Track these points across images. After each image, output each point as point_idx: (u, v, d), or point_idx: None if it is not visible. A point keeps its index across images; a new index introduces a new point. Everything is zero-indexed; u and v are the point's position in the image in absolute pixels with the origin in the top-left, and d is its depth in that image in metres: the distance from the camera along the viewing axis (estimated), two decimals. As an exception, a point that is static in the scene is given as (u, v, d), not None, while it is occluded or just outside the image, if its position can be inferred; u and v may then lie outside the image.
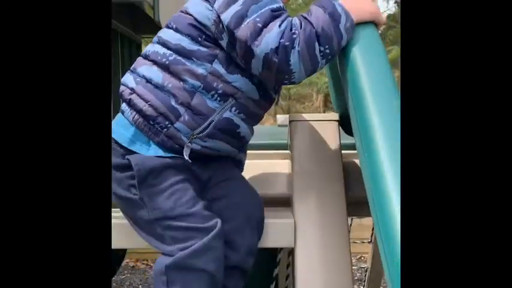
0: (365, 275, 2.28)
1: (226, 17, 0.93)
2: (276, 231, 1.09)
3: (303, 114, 1.27)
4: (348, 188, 1.19)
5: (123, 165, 1.00)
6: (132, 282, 3.26)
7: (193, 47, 0.98)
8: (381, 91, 0.80)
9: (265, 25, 0.91)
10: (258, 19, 0.92)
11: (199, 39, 0.98)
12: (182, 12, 1.02)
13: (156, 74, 0.99)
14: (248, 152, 1.30)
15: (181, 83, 0.98)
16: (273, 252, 1.41)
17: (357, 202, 1.14)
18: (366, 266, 2.54)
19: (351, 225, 2.02)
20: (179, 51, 0.99)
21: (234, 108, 1.00)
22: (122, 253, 2.67)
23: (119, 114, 1.06)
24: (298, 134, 1.23)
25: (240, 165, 1.15)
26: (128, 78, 1.03)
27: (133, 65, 1.05)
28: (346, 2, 0.94)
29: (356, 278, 3.02)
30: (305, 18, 0.93)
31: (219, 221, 0.98)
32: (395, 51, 7.20)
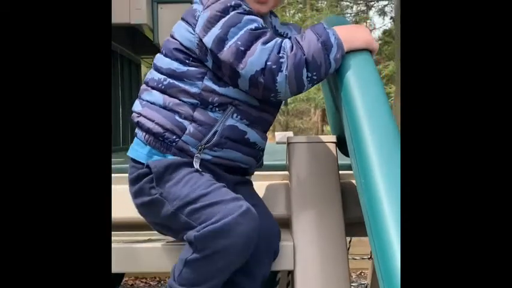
0: (365, 292, 2.26)
1: (208, 40, 0.97)
2: (275, 254, 1.09)
3: (301, 136, 1.29)
4: (346, 209, 1.20)
5: (143, 174, 1.04)
6: (131, 301, 3.23)
7: (183, 68, 1.02)
8: (376, 118, 0.82)
9: (248, 47, 0.94)
10: (239, 42, 0.94)
11: (187, 61, 1.02)
12: (170, 36, 1.07)
13: (157, 97, 1.04)
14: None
15: (180, 101, 1.02)
16: (273, 271, 1.41)
17: (355, 223, 1.15)
18: (366, 282, 2.53)
19: (350, 241, 2.01)
20: (171, 74, 1.03)
21: (235, 115, 1.03)
22: (121, 273, 2.66)
23: (135, 137, 1.10)
24: (296, 155, 1.25)
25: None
26: (135, 105, 1.09)
27: (139, 93, 1.10)
28: (341, 30, 0.96)
29: (356, 294, 3.00)
30: (298, 42, 0.95)
31: (245, 203, 0.96)
32: (392, 66, 7.26)
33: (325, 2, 11.85)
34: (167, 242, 1.14)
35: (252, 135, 1.06)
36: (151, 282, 3.46)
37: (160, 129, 1.02)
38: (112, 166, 1.31)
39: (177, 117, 1.01)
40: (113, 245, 1.02)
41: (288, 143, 1.27)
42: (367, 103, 0.88)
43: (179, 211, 0.99)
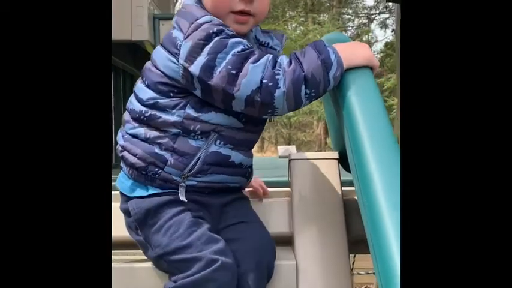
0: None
1: (195, 69, 0.94)
2: (278, 274, 1.08)
3: (303, 153, 1.28)
4: (349, 226, 1.18)
5: (128, 211, 1.06)
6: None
7: (165, 100, 1.01)
8: (377, 137, 0.81)
9: (239, 69, 0.92)
10: (229, 66, 0.93)
11: (171, 94, 1.01)
12: (152, 65, 1.04)
13: (138, 130, 1.04)
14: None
15: (162, 133, 1.02)
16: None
17: (358, 240, 1.13)
18: (370, 298, 2.49)
19: (354, 256, 1.99)
20: (153, 106, 1.02)
21: (218, 141, 1.02)
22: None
23: (121, 169, 1.11)
24: (298, 172, 1.24)
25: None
26: (118, 137, 1.09)
27: (122, 122, 1.09)
28: (340, 48, 0.96)
29: (361, 310, 2.96)
30: (297, 58, 0.94)
31: (227, 254, 0.96)
32: (394, 79, 7.28)
33: (327, 16, 11.96)
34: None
35: (237, 157, 1.05)
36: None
37: (142, 164, 1.02)
38: (112, 183, 1.31)
39: (157, 150, 1.01)
40: (113, 265, 1.01)
41: (290, 160, 1.26)
42: (367, 120, 0.87)
43: (161, 258, 1.01)
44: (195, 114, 0.99)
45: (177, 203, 1.02)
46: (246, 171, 1.10)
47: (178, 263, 0.97)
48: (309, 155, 1.26)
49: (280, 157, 1.51)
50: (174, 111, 1.00)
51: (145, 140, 1.02)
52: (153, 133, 1.01)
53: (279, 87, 0.91)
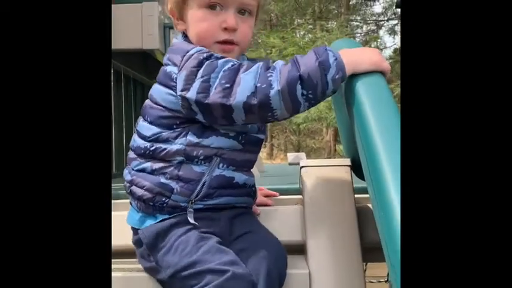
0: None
1: (192, 94, 0.97)
2: (290, 283, 1.06)
3: (314, 160, 1.27)
4: (363, 234, 1.17)
5: (139, 241, 1.07)
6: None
7: (168, 132, 1.04)
8: (391, 142, 0.80)
9: (232, 82, 0.94)
10: (223, 81, 0.95)
11: (174, 126, 1.04)
12: (151, 101, 1.07)
13: (145, 165, 1.06)
14: (260, 198, 1.28)
15: (167, 163, 1.04)
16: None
17: (372, 248, 1.11)
18: (383, 307, 2.45)
19: (366, 263, 1.97)
20: (156, 140, 1.05)
21: (221, 164, 1.04)
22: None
23: (130, 205, 1.13)
24: (310, 179, 1.23)
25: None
26: (125, 174, 1.11)
27: (127, 160, 1.12)
28: (346, 53, 0.95)
29: (374, 319, 2.91)
30: (295, 60, 0.95)
31: (238, 264, 0.96)
32: (404, 85, 7.24)
33: (335, 23, 11.96)
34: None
35: (240, 178, 1.07)
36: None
37: (149, 195, 1.04)
38: (112, 192, 1.31)
39: (162, 180, 1.03)
40: (113, 274, 1.01)
41: (301, 167, 1.25)
42: (380, 125, 0.86)
43: (173, 279, 1.01)
44: (196, 140, 1.02)
45: (185, 223, 1.03)
46: (251, 191, 1.12)
47: (190, 279, 0.97)
48: (320, 162, 1.25)
49: (289, 164, 1.51)
50: (176, 140, 1.03)
51: (152, 172, 1.05)
52: (158, 165, 1.04)
53: (273, 87, 0.92)
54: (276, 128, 12.91)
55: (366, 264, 1.92)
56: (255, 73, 0.94)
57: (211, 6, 1.04)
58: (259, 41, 10.65)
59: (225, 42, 1.05)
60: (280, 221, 1.24)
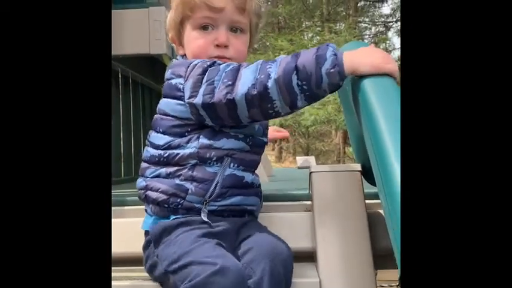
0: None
1: (199, 99, 1.01)
2: (300, 292, 1.04)
3: (324, 165, 1.25)
4: (374, 241, 1.14)
5: (149, 241, 1.08)
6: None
7: (180, 139, 1.07)
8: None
9: (234, 79, 0.99)
10: (225, 80, 0.99)
11: (186, 133, 1.07)
12: (162, 114, 1.11)
13: (160, 171, 1.09)
14: (269, 204, 1.27)
15: (181, 167, 1.07)
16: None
17: (384, 254, 1.09)
18: (395, 312, 2.42)
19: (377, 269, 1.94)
20: (169, 147, 1.08)
21: (232, 164, 1.08)
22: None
23: (145, 212, 1.14)
24: (320, 185, 1.20)
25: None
26: (139, 182, 1.13)
27: (140, 171, 1.14)
28: (348, 54, 0.96)
29: (386, 325, 2.88)
30: (296, 54, 0.98)
31: (229, 258, 0.95)
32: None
33: (343, 25, 11.93)
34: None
35: (248, 177, 1.10)
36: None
37: (164, 196, 1.06)
38: (120, 198, 1.30)
39: (177, 181, 1.05)
40: (113, 282, 0.99)
41: (311, 172, 1.23)
42: (390, 126, 0.84)
43: (168, 272, 1.01)
44: (208, 142, 1.05)
45: (194, 223, 1.05)
46: (258, 191, 1.15)
47: (180, 271, 0.97)
48: (330, 167, 1.23)
49: (299, 168, 1.48)
50: (188, 144, 1.06)
51: (167, 176, 1.07)
52: (173, 169, 1.07)
53: (271, 77, 0.95)
54: (284, 131, 12.85)
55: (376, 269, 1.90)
56: (256, 67, 0.98)
57: (204, 27, 1.11)
58: (268, 43, 10.66)
59: (218, 57, 1.10)
60: (290, 228, 1.23)
